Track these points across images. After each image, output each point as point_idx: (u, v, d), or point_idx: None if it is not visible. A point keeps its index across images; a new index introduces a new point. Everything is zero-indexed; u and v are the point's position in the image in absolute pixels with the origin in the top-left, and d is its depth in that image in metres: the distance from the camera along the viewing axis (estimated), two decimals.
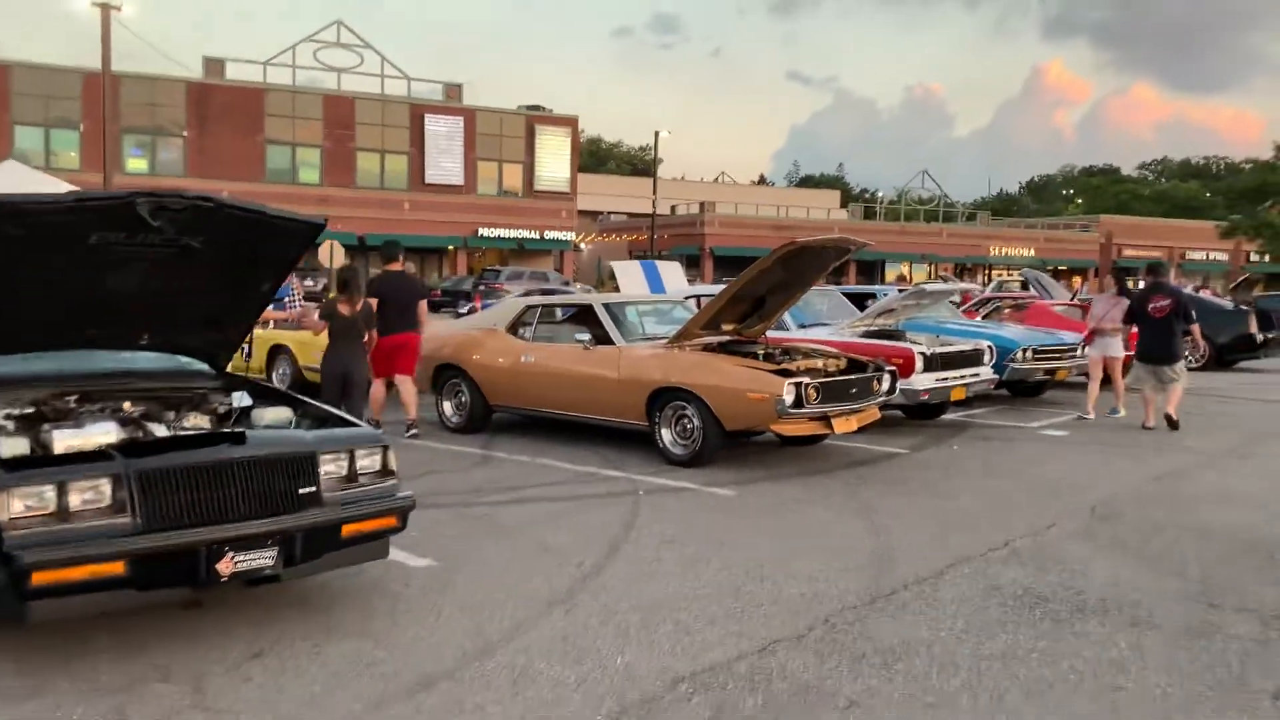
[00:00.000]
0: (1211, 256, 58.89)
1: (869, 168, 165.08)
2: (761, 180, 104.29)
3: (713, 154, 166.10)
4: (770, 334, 10.29)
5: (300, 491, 4.34)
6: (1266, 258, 50.47)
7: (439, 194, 47.00)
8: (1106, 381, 11.63)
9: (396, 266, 9.80)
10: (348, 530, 4.49)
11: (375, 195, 46.00)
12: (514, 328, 9.69)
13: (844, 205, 74.98)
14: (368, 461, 4.66)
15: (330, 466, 4.52)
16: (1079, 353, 12.68)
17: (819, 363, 8.56)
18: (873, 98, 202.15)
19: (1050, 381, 12.70)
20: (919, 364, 9.74)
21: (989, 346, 10.75)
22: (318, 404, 5.22)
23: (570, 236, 50.65)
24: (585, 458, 8.62)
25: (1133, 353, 12.78)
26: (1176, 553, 5.86)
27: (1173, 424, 11.01)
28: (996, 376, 10.84)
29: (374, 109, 46.36)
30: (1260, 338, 17.33)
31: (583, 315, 9.44)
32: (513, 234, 48.23)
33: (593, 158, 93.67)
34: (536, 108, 50.94)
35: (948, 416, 11.13)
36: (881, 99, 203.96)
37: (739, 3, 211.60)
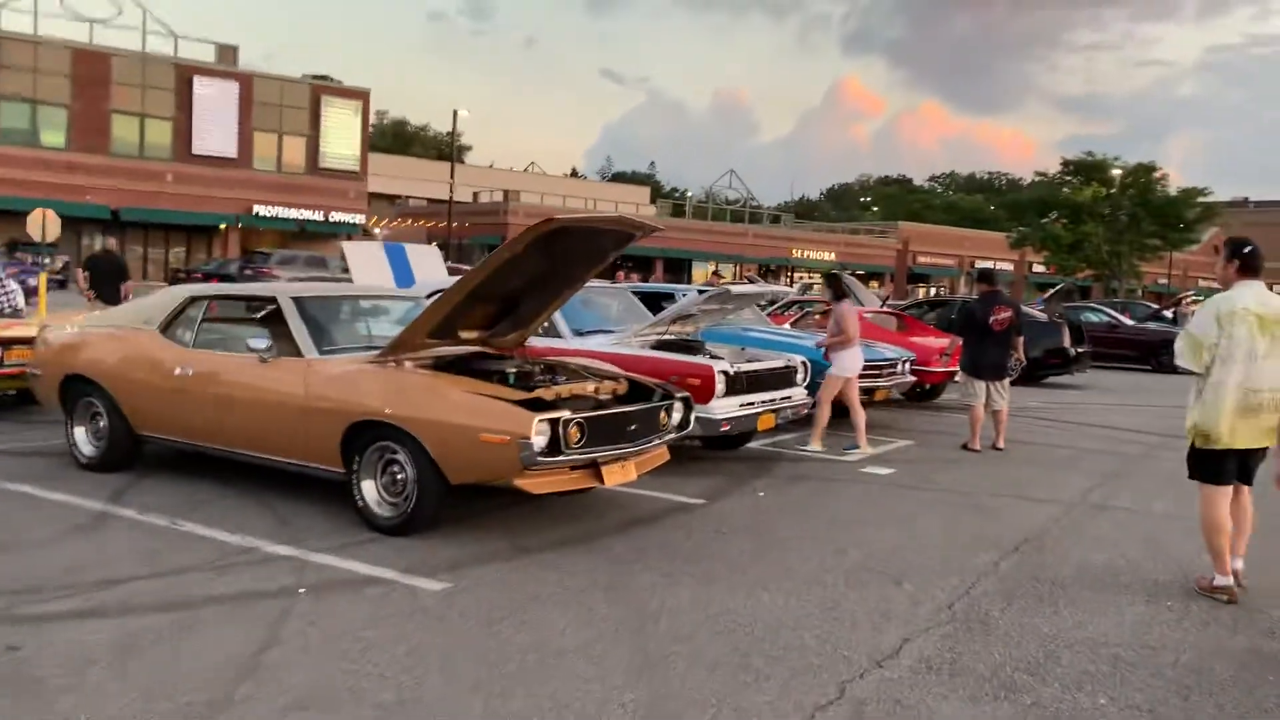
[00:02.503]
0: (998, 265, 60.95)
1: (679, 168, 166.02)
2: (574, 173, 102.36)
3: (525, 146, 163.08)
4: (535, 343, 7.99)
5: None
6: (1051, 269, 52.43)
7: (208, 166, 42.35)
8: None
9: None
10: None
11: (133, 164, 40.97)
12: (170, 327, 6.94)
13: (653, 202, 73.89)
14: None
15: None
16: (899, 369, 11.04)
17: (589, 387, 6.29)
18: (683, 100, 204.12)
19: (868, 402, 10.94)
20: (720, 385, 7.66)
21: (803, 362, 8.80)
22: None
23: (359, 220, 46.89)
24: (252, 520, 6.03)
25: (954, 367, 11.41)
26: (1089, 707, 3.89)
27: (997, 449, 9.75)
28: (810, 400, 8.92)
29: (133, 67, 41.26)
30: (1072, 352, 16.42)
31: (265, 312, 6.82)
32: (293, 214, 44.09)
33: (398, 140, 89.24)
34: (324, 78, 46.90)
35: (753, 444, 9.14)
36: (691, 101, 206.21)
37: None
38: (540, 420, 5.40)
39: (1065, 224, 47.30)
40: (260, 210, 43.42)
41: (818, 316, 14.84)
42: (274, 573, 5.05)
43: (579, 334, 8.47)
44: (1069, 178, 48.58)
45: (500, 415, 5.46)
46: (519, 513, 6.37)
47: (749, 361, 8.34)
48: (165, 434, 6.91)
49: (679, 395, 6.57)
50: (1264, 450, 5.19)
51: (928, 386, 12.89)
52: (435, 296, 8.13)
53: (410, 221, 58.23)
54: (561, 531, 6.04)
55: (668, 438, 6.49)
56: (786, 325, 13.52)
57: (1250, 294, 5.07)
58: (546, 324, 8.37)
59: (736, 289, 8.11)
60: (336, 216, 45.35)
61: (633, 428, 6.04)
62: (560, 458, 5.53)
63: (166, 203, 41.46)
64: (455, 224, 49.27)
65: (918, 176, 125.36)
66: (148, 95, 41.49)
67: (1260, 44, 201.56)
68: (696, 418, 7.38)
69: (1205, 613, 5.05)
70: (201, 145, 42.43)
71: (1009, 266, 63.30)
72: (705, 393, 7.58)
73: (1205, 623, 4.90)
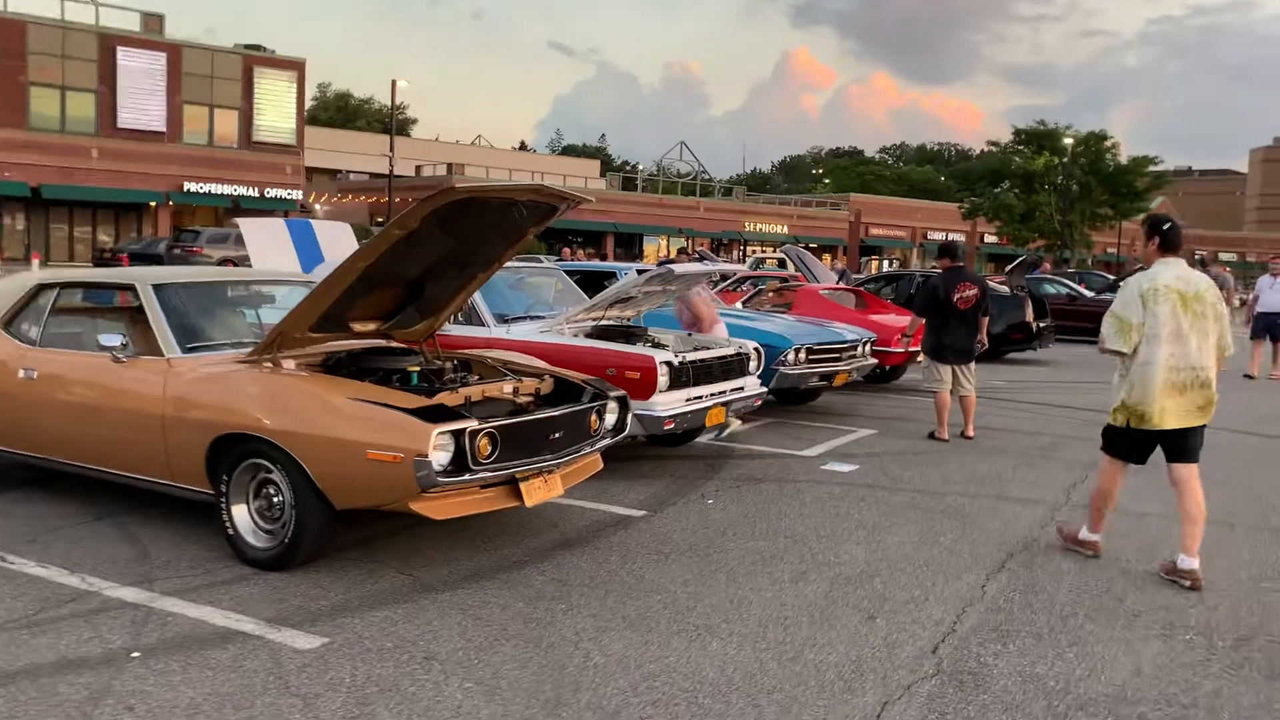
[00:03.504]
0: (950, 237, 60.74)
1: (631, 141, 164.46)
2: (523, 146, 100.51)
3: (474, 119, 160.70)
4: (453, 332, 7.06)
5: None
6: (1003, 240, 52.23)
7: (136, 141, 40.47)
8: None
9: None
10: None
11: (54, 140, 39.00)
12: (13, 321, 5.89)
13: (603, 175, 72.64)
14: None
15: None
16: (859, 351, 10.22)
17: (505, 387, 5.37)
18: (633, 72, 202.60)
19: (827, 387, 10.13)
20: (662, 378, 6.75)
21: (755, 349, 7.92)
22: None
23: (296, 195, 45.26)
24: (104, 552, 5.04)
25: (916, 348, 10.57)
26: None
27: (967, 438, 9.09)
28: (764, 390, 8.05)
29: (52, 37, 39.22)
30: (1035, 326, 15.76)
31: (124, 302, 5.79)
32: (227, 190, 42.38)
33: (341, 113, 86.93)
34: (256, 47, 44.98)
35: (702, 439, 8.27)
36: (642, 74, 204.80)
37: None
38: (440, 432, 4.46)
39: (1017, 194, 47.07)
40: (191, 187, 41.68)
41: (770, 295, 14.02)
42: (107, 627, 4.08)
43: (504, 321, 7.50)
44: (1021, 147, 48.25)
45: (391, 427, 4.51)
46: (427, 537, 5.43)
47: (695, 350, 7.45)
48: (11, 447, 5.86)
49: (613, 394, 5.66)
50: (1201, 429, 5.10)
51: (888, 368, 12.12)
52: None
53: (350, 197, 56.52)
54: (475, 560, 5.11)
55: (600, 444, 5.59)
56: (738, 304, 12.65)
57: (1170, 272, 5.05)
58: (465, 310, 7.43)
59: (680, 268, 7.21)
60: (272, 192, 43.72)
61: (557, 435, 5.12)
62: (467, 476, 4.61)
63: (92, 179, 39.61)
64: (398, 199, 47.65)
65: (869, 148, 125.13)
66: (68, 66, 39.48)
67: (1202, 13, 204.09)
68: (637, 415, 6.52)
69: (1233, 649, 4.27)
70: (127, 119, 40.53)
71: (961, 237, 63.23)
72: (646, 387, 6.68)
73: (1237, 664, 4.11)
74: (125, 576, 4.68)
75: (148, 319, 5.38)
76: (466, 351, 6.13)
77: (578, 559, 5.19)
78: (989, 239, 60.32)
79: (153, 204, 41.40)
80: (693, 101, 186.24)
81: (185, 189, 41.41)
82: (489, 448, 4.68)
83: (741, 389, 7.64)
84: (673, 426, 6.84)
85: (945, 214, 62.21)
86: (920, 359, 9.81)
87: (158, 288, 5.52)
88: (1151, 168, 47.71)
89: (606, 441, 5.66)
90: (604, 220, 52.31)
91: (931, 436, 9.02)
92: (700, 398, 7.11)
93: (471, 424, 4.61)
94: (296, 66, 45.22)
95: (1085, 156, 46.35)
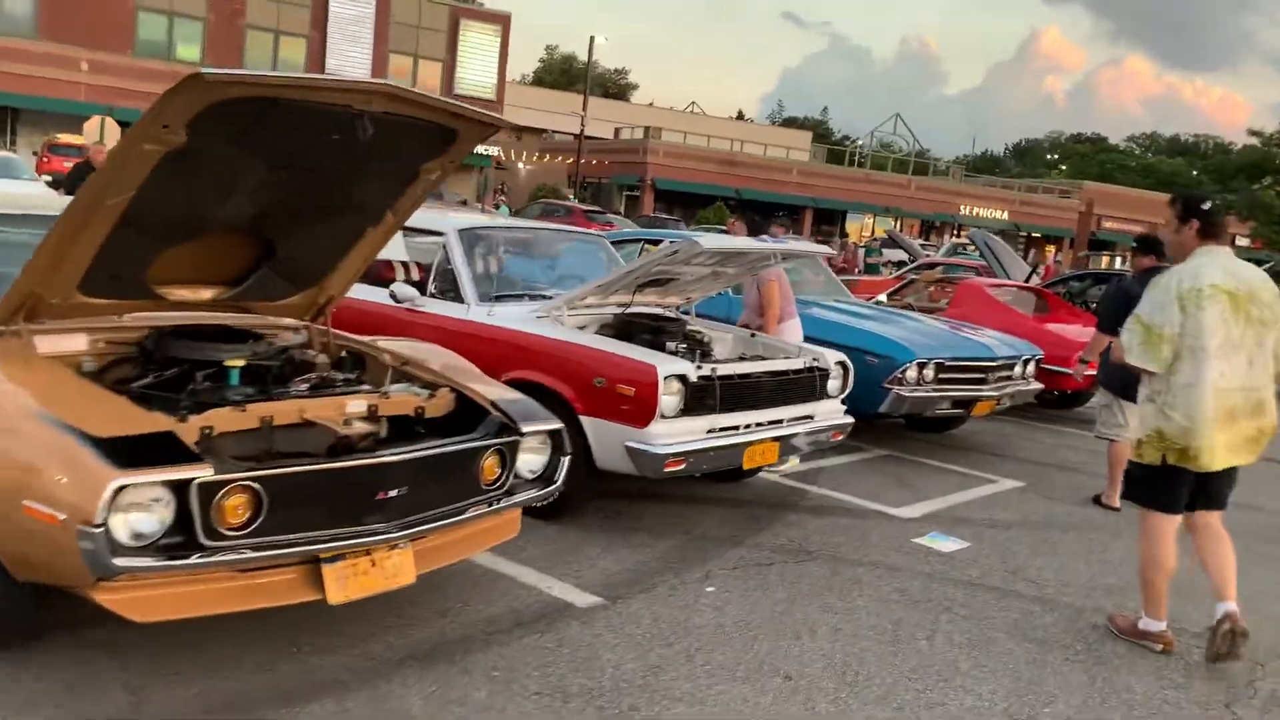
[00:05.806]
0: None
1: (856, 117, 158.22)
2: (740, 116, 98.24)
3: (699, 89, 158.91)
4: (436, 310, 5.30)
5: None
6: (1256, 244, 45.72)
7: None
8: None
9: None
10: None
11: None
12: None
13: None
14: None
15: None
16: (1017, 371, 7.76)
17: (349, 404, 3.49)
18: (867, 46, 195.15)
19: (965, 416, 7.73)
20: (667, 397, 4.68)
21: (840, 362, 5.69)
22: None
23: (494, 151, 44.86)
24: None
25: (1094, 371, 7.85)
26: None
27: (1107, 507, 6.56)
28: (847, 422, 5.78)
29: None
30: None
31: None
32: None
33: (564, 76, 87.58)
34: None
35: (770, 474, 6.19)
36: (875, 48, 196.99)
37: None
38: (124, 485, 2.66)
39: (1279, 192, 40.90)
40: None
41: (931, 289, 11.50)
42: None
43: (492, 299, 5.58)
44: None
45: (60, 467, 2.73)
46: (229, 620, 3.63)
47: (744, 359, 5.34)
48: None
49: (533, 428, 3.69)
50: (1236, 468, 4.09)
51: (1068, 392, 9.48)
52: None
53: (548, 158, 56.08)
54: (258, 676, 3.28)
55: (508, 502, 3.65)
56: (882, 296, 10.30)
57: (1216, 265, 4.02)
58: (441, 284, 5.61)
59: (711, 242, 5.04)
60: None
61: (394, 493, 3.21)
62: (198, 558, 2.79)
63: None
64: (595, 161, 46.80)
65: (1114, 136, 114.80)
66: (283, 11, 40.37)
67: None
68: (628, 449, 4.56)
69: None
70: (335, 65, 41.06)
71: None
72: (642, 409, 4.64)
73: None
74: None
75: None
76: (365, 342, 4.29)
77: (419, 690, 3.26)
78: (1240, 241, 53.35)
79: None
80: (927, 78, 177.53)
81: None
82: (245, 511, 2.85)
83: (809, 418, 5.46)
84: (681, 468, 4.76)
85: None
86: (1097, 396, 7.25)
87: None
88: None
89: (523, 497, 3.72)
90: (804, 195, 49.60)
91: (1098, 501, 6.55)
92: (734, 429, 5.00)
93: (203, 472, 2.78)
94: (502, 20, 44.77)
95: None
